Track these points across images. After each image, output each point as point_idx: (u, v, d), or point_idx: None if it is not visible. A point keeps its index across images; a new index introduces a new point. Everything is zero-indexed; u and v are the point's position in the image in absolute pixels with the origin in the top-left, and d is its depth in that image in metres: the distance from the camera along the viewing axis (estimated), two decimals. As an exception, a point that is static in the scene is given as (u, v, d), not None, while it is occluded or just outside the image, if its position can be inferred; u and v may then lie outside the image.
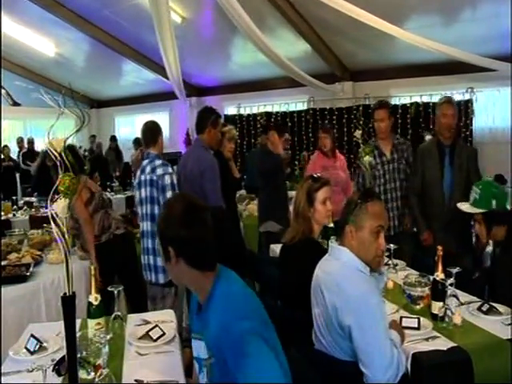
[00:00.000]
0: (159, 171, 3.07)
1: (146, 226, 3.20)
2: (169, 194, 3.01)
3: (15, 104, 5.52)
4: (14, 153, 9.56)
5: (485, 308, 2.15)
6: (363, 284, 1.74)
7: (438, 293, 2.10)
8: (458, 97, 7.28)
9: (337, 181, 3.97)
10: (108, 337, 1.79)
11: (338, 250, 1.87)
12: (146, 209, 3.16)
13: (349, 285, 1.73)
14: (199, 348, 1.44)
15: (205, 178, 3.33)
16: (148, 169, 3.15)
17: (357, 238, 1.79)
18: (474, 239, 3.38)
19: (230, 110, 10.03)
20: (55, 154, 1.36)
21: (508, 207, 2.56)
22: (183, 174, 3.54)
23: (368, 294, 1.70)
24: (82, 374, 1.54)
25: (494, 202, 2.45)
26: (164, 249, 1.38)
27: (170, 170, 3.10)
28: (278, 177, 4.20)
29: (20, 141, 9.53)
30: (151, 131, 3.29)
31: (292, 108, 9.13)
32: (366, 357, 1.64)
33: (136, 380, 1.65)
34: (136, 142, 9.03)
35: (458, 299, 2.17)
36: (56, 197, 1.37)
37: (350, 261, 1.80)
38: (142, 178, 3.17)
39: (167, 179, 3.04)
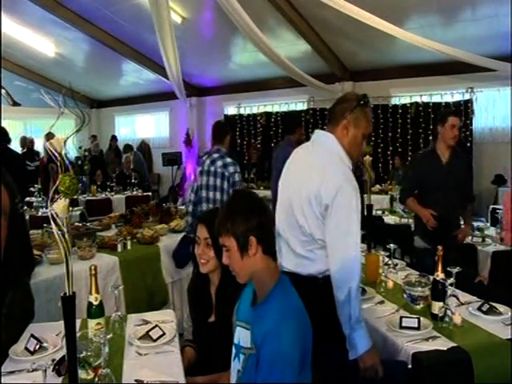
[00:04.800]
0: (231, 169, 3.60)
1: (207, 207, 3.63)
2: None
3: (15, 104, 5.52)
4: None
5: (485, 308, 2.14)
6: (344, 170, 1.87)
7: (438, 293, 2.10)
8: (457, 97, 7.30)
9: None
10: (108, 337, 1.79)
11: (324, 136, 1.98)
12: (214, 194, 3.64)
13: (332, 168, 1.86)
14: (243, 336, 1.48)
15: None
16: (220, 163, 3.63)
17: (351, 134, 1.93)
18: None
19: (230, 110, 10.02)
20: (55, 153, 1.36)
21: None
22: (276, 167, 4.20)
23: (346, 181, 1.82)
24: (82, 374, 1.55)
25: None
26: (243, 242, 1.43)
27: (238, 168, 3.66)
28: None
29: (23, 140, 9.55)
30: (221, 129, 3.82)
31: (292, 108, 9.13)
32: (331, 241, 1.79)
33: (136, 380, 1.65)
34: (126, 147, 9.33)
35: (458, 299, 2.17)
36: (56, 197, 1.36)
37: (334, 147, 1.92)
38: (212, 168, 3.64)
39: (237, 177, 3.61)
